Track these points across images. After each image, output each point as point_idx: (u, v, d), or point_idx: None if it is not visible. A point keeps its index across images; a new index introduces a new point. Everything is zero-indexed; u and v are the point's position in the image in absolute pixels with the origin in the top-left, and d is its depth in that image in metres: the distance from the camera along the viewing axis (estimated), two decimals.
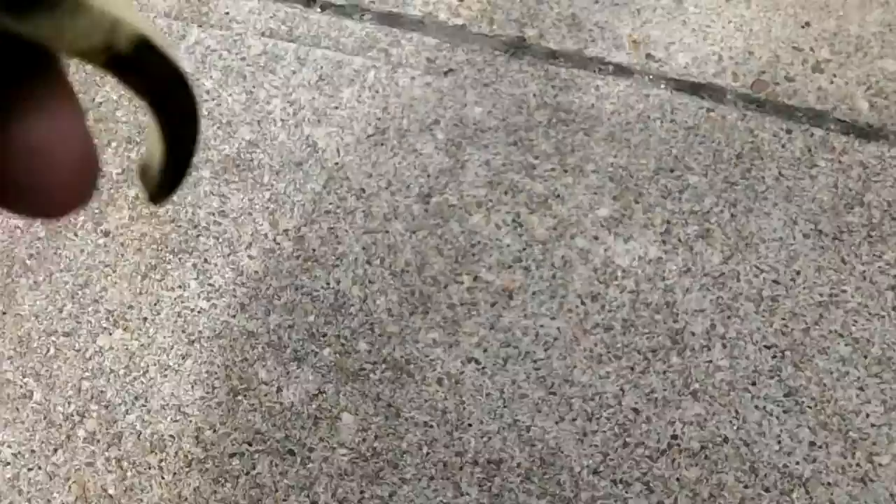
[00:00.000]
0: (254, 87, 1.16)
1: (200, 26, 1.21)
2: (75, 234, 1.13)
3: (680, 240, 0.99)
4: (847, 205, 0.99)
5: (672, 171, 1.02)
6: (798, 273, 0.96)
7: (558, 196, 1.03)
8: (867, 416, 0.90)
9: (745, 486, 0.89)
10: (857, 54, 1.08)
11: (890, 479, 0.88)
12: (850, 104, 1.04)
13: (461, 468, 0.93)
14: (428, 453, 0.94)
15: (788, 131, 1.03)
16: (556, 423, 0.94)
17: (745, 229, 0.99)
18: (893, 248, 0.96)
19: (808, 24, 1.11)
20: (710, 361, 0.94)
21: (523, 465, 0.93)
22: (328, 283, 1.02)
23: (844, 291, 0.95)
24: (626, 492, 0.91)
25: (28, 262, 1.13)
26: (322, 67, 1.15)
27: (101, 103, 1.19)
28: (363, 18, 1.18)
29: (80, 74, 1.21)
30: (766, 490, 0.89)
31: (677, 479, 0.90)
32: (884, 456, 0.89)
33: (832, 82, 1.06)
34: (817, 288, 0.95)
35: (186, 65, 1.18)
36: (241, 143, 1.13)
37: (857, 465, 0.89)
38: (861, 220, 0.98)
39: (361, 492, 0.94)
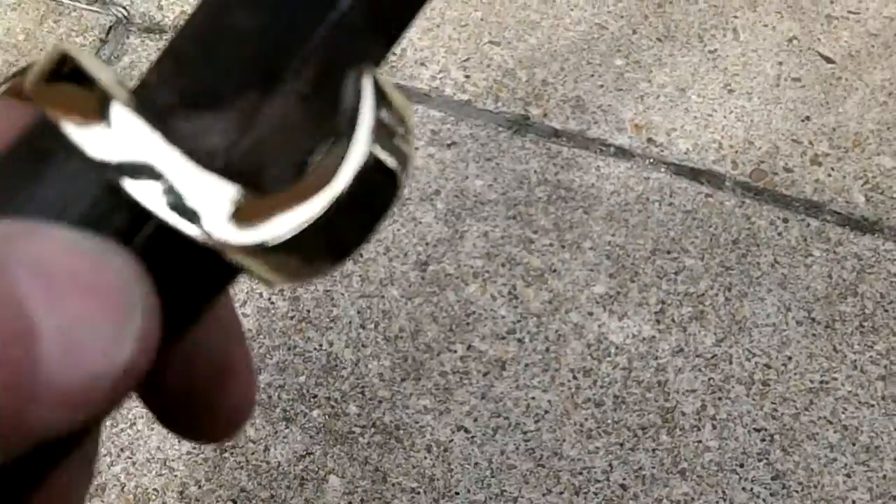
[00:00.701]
0: None
1: None
2: None
3: (674, 320, 1.07)
4: (840, 294, 1.07)
5: (669, 252, 1.11)
6: (790, 359, 1.04)
7: (555, 271, 1.10)
8: (853, 502, 0.97)
9: None
10: (855, 150, 1.17)
11: None
12: (847, 197, 1.13)
13: None
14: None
15: (785, 220, 1.12)
16: (544, 495, 1.00)
17: (738, 313, 1.07)
18: (885, 338, 1.04)
19: (808, 118, 1.20)
20: (700, 441, 1.01)
21: None
22: (321, 345, 1.09)
23: (835, 379, 1.03)
24: None
25: None
26: None
27: None
28: None
29: None
30: None
31: None
32: None
33: (830, 175, 1.15)
34: (808, 374, 1.03)
35: None
36: None
37: None
38: (854, 310, 1.06)
39: None
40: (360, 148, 0.22)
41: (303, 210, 0.21)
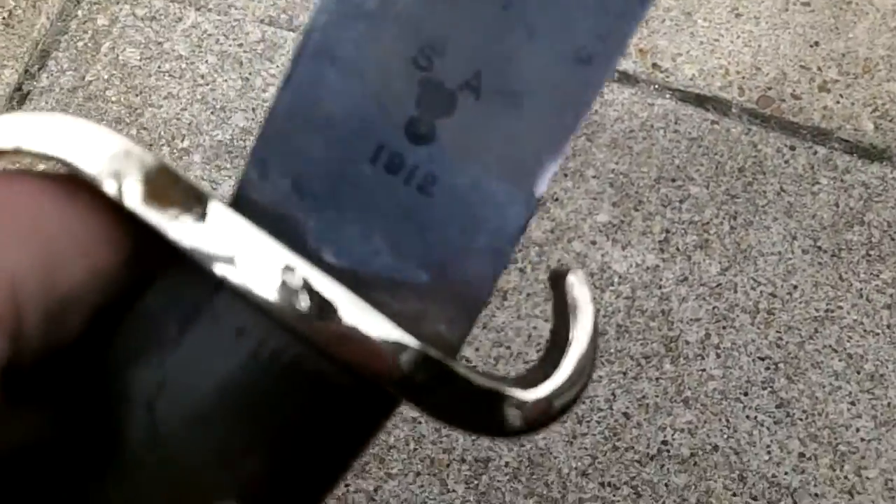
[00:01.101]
0: (250, 74, 1.23)
1: (198, 10, 1.28)
2: None
3: (678, 249, 1.07)
4: (847, 223, 1.07)
5: (673, 180, 1.10)
6: (795, 287, 1.04)
7: (557, 200, 1.10)
8: (857, 430, 0.98)
9: (734, 495, 0.96)
10: (865, 76, 1.16)
11: (877, 492, 0.96)
12: (856, 125, 1.13)
13: (448, 465, 1.00)
14: (415, 449, 1.01)
15: (792, 148, 1.11)
16: None
17: (743, 242, 1.07)
18: (891, 267, 1.04)
19: (816, 43, 1.19)
20: (704, 370, 1.01)
21: (511, 465, 1.00)
22: None
23: (840, 308, 1.03)
24: (614, 495, 0.98)
25: None
26: None
27: (91, 81, 1.25)
28: None
29: (71, 51, 1.27)
30: (754, 499, 0.96)
31: (665, 485, 0.97)
32: (871, 470, 0.96)
33: (838, 102, 1.14)
34: (814, 303, 1.03)
35: (182, 48, 1.25)
36: (235, 130, 1.19)
37: (846, 477, 0.96)
38: (860, 238, 1.06)
39: (346, 485, 1.00)
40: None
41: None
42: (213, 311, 0.24)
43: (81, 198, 0.24)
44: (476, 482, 0.99)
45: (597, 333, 0.27)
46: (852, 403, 0.99)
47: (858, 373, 1.00)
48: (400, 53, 0.26)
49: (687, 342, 1.02)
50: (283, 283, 0.23)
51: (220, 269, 0.23)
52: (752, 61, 1.18)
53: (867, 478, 0.96)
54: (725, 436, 0.98)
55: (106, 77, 1.25)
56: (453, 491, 0.99)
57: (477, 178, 0.27)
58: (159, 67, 1.24)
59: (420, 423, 1.01)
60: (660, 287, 1.05)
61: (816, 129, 1.13)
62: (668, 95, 1.16)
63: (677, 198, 1.09)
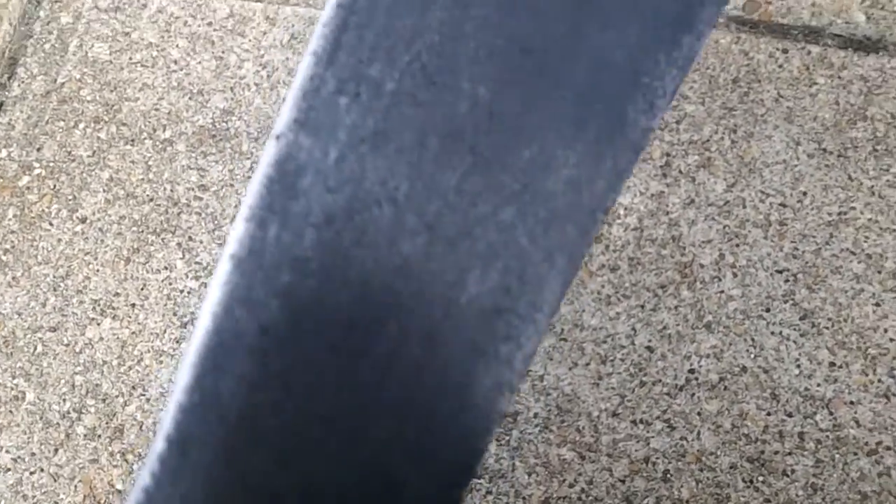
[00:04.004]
0: (223, 52, 1.24)
1: None
2: (50, 224, 1.20)
3: (681, 171, 1.08)
4: (850, 120, 1.07)
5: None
6: (804, 194, 1.05)
7: None
8: (885, 331, 0.99)
9: (768, 414, 0.98)
10: None
11: None
12: (847, 18, 1.13)
13: None
14: None
15: (784, 51, 1.12)
16: (570, 369, 1.02)
17: (746, 155, 1.07)
18: None
19: None
20: (722, 292, 1.03)
21: (540, 416, 1.02)
22: None
23: (853, 208, 1.04)
24: (648, 431, 1.00)
25: (3, 257, 1.20)
26: (293, 25, 1.23)
27: (63, 83, 1.26)
28: None
29: (39, 54, 1.28)
30: (789, 415, 0.98)
31: (698, 414, 0.99)
32: None
33: None
34: (825, 207, 1.04)
35: (151, 35, 1.26)
36: (216, 112, 1.20)
37: (879, 380, 0.98)
38: (865, 134, 1.07)
39: None
40: None
41: None
42: None
43: None
44: (507, 438, 1.01)
45: None
46: (877, 304, 1.00)
47: (879, 272, 1.01)
48: None
49: (701, 265, 1.04)
50: None
51: None
52: None
53: None
54: (752, 355, 1.00)
55: (78, 77, 1.26)
56: (486, 450, 1.01)
57: None
58: (130, 59, 1.25)
59: None
60: (667, 213, 1.06)
61: (807, 27, 1.13)
62: None
63: (673, 119, 1.10)
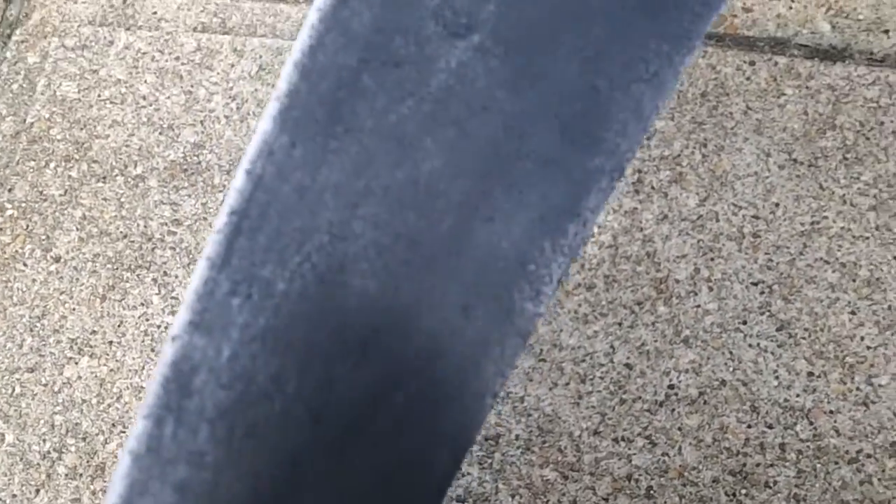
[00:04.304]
0: (192, 86, 1.24)
1: (128, 29, 1.29)
2: (24, 265, 1.20)
3: (653, 187, 1.08)
4: (819, 130, 1.08)
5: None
6: (777, 205, 1.06)
7: None
8: (862, 339, 1.00)
9: (748, 426, 0.98)
10: None
11: (891, 398, 0.98)
12: (812, 27, 1.14)
13: None
14: None
15: (751, 63, 1.13)
16: (550, 389, 1.02)
17: (718, 168, 1.08)
18: (871, 167, 1.06)
19: None
20: (699, 306, 1.03)
21: (522, 437, 1.02)
22: None
23: (826, 217, 1.04)
24: (630, 448, 1.00)
25: None
26: (261, 56, 1.24)
27: (32, 123, 1.26)
28: (298, 1, 1.27)
29: (7, 95, 1.28)
30: (770, 427, 0.98)
31: (679, 429, 1.00)
32: (883, 377, 0.98)
33: (791, 8, 1.15)
34: (798, 217, 1.05)
35: (119, 72, 1.27)
36: (186, 147, 1.21)
37: (858, 388, 0.98)
38: (835, 143, 1.07)
39: None
40: None
41: None
42: None
43: None
44: (489, 461, 1.01)
45: None
46: (853, 313, 1.00)
47: (854, 281, 1.01)
48: None
49: (677, 280, 1.04)
50: None
51: None
52: None
53: (879, 385, 0.98)
54: (731, 368, 1.00)
55: (47, 116, 1.26)
56: (468, 474, 1.01)
57: None
58: (99, 96, 1.25)
59: None
60: (641, 229, 1.07)
61: (773, 39, 1.14)
62: None
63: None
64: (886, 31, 1.11)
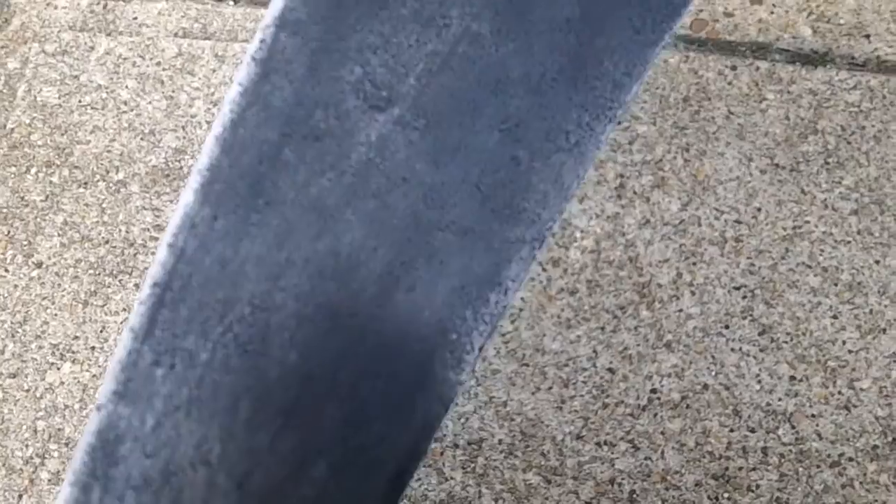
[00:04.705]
0: (173, 91, 1.24)
1: (109, 35, 1.28)
2: (6, 270, 1.19)
3: (635, 192, 1.08)
4: (801, 134, 1.08)
5: (619, 123, 1.12)
6: (759, 210, 1.06)
7: None
8: (843, 343, 1.00)
9: (731, 430, 0.99)
10: None
11: (873, 402, 0.98)
12: (793, 32, 1.14)
13: (442, 453, 1.02)
14: None
15: (733, 68, 1.13)
16: (533, 393, 1.02)
17: (700, 173, 1.08)
18: (852, 171, 1.06)
19: None
20: (681, 310, 1.03)
21: (505, 441, 1.02)
22: None
23: (808, 222, 1.05)
24: (612, 452, 1.00)
25: None
26: (242, 62, 1.23)
27: (13, 129, 1.26)
28: None
29: None
30: (752, 430, 0.98)
31: (661, 433, 1.00)
32: (864, 380, 0.99)
33: (772, 13, 1.16)
34: (780, 222, 1.05)
35: (99, 77, 1.26)
36: (168, 152, 1.20)
37: (839, 392, 0.98)
38: (816, 148, 1.08)
39: None
40: None
41: None
42: None
43: None
44: (473, 465, 1.01)
45: None
46: (834, 317, 1.01)
47: (836, 285, 1.02)
48: None
49: (659, 285, 1.04)
50: None
51: None
52: None
53: (861, 389, 0.98)
54: (713, 373, 1.00)
55: (27, 121, 1.26)
56: (452, 478, 1.01)
57: None
58: (80, 101, 1.25)
59: None
60: (623, 234, 1.07)
61: (755, 44, 1.14)
62: None
63: (626, 140, 1.11)
64: (867, 36, 1.11)
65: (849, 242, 1.03)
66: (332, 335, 0.45)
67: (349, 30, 0.45)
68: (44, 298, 1.17)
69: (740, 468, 0.97)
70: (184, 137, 1.20)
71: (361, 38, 0.46)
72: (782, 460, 0.97)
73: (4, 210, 1.22)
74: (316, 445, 0.45)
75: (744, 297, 1.02)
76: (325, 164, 0.46)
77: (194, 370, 0.44)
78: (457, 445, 1.02)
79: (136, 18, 1.29)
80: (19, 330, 1.17)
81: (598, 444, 1.00)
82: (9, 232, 1.21)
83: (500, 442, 1.01)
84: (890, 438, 0.96)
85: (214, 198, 0.45)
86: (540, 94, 0.48)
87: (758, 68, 1.12)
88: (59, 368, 1.14)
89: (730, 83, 1.12)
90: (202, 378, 0.44)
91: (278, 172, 0.45)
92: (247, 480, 0.44)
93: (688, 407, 1.00)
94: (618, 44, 0.49)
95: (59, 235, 1.19)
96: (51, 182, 1.22)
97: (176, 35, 1.27)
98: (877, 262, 1.02)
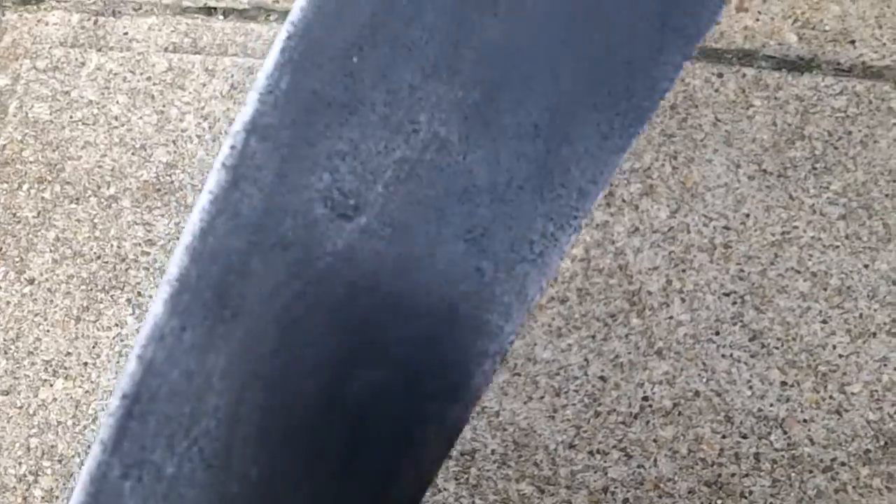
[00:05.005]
0: (164, 106, 1.23)
1: (99, 50, 1.28)
2: None
3: (624, 200, 1.08)
4: (788, 140, 1.08)
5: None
6: (747, 216, 1.05)
7: None
8: (834, 347, 0.99)
9: (723, 437, 0.98)
10: None
11: (864, 406, 0.97)
12: (779, 39, 1.13)
13: None
14: None
15: (720, 75, 1.12)
16: (525, 403, 1.02)
17: (688, 180, 1.07)
18: (839, 176, 1.05)
19: None
20: (671, 318, 1.02)
21: (497, 451, 1.01)
22: None
23: (796, 227, 1.04)
24: (605, 461, 0.99)
25: None
26: (233, 76, 1.23)
27: (4, 145, 1.25)
28: (269, 20, 1.26)
29: None
30: (744, 437, 0.97)
31: (654, 440, 0.99)
32: (855, 385, 0.98)
33: (758, 20, 1.15)
34: (768, 228, 1.04)
35: (90, 93, 1.25)
36: (159, 166, 1.19)
37: (831, 397, 0.98)
38: (804, 153, 1.07)
39: None
40: None
41: None
42: None
43: None
44: (466, 476, 1.00)
45: None
46: (824, 322, 1.00)
47: (825, 290, 1.01)
48: None
49: (649, 293, 1.03)
50: None
51: None
52: None
53: (852, 393, 0.97)
54: (705, 379, 0.99)
55: (19, 138, 1.25)
56: (445, 489, 1.00)
57: None
58: (71, 117, 1.24)
59: None
60: (613, 242, 1.06)
61: (741, 51, 1.13)
62: None
63: None
64: (852, 42, 1.11)
65: (837, 247, 1.02)
66: (291, 448, 0.46)
67: (319, 136, 0.45)
68: (36, 315, 1.16)
69: (733, 474, 0.96)
70: (174, 152, 1.19)
71: (331, 145, 0.46)
72: (775, 466, 0.96)
73: None
74: None
75: (734, 304, 1.01)
76: (291, 273, 0.45)
77: (161, 483, 0.44)
78: (449, 456, 1.00)
79: (126, 34, 1.28)
80: (12, 347, 1.16)
81: (590, 452, 0.99)
82: (1, 248, 1.20)
83: (492, 452, 1.00)
84: (882, 442, 0.95)
85: (182, 308, 0.45)
86: (506, 202, 0.48)
87: (744, 75, 1.11)
88: (51, 385, 1.13)
89: (717, 90, 1.11)
90: (168, 491, 0.45)
91: (245, 283, 0.45)
92: None
93: (680, 414, 0.99)
94: (585, 150, 0.48)
95: (51, 251, 1.19)
96: (43, 198, 1.21)
97: (166, 50, 1.26)
98: (865, 266, 1.01)
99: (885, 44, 1.10)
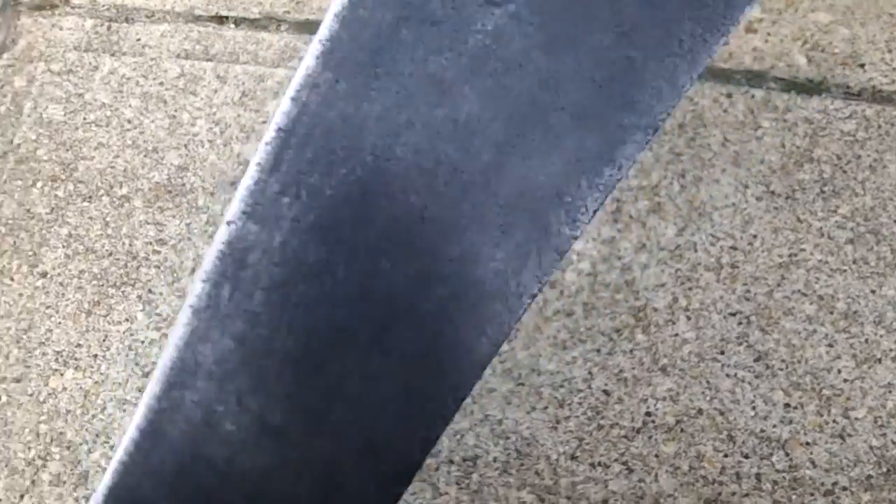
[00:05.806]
0: (176, 110, 1.19)
1: (113, 55, 1.24)
2: (11, 279, 1.15)
3: (632, 216, 1.04)
4: (796, 162, 1.04)
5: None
6: (755, 237, 1.01)
7: None
8: (839, 371, 0.95)
9: (725, 455, 0.94)
10: (789, 10, 1.13)
11: (867, 432, 0.93)
12: (788, 61, 1.10)
13: (437, 469, 0.98)
14: None
15: (729, 95, 1.09)
16: (528, 413, 0.98)
17: (696, 199, 1.04)
18: (847, 200, 1.02)
19: None
20: (677, 335, 0.99)
21: (499, 459, 0.97)
22: None
23: (803, 250, 1.00)
24: (606, 474, 0.95)
25: None
26: (244, 83, 1.19)
27: (19, 144, 1.21)
28: (280, 29, 1.22)
29: None
30: (746, 456, 0.94)
31: (656, 456, 0.95)
32: (859, 410, 0.94)
33: (767, 41, 1.11)
34: (776, 249, 1.01)
35: (104, 96, 1.22)
36: (171, 169, 1.16)
37: (834, 421, 0.94)
38: (812, 176, 1.03)
39: None
40: None
41: None
42: None
43: None
44: (467, 481, 0.97)
45: None
46: (830, 345, 0.96)
47: (831, 313, 0.97)
48: None
49: (655, 309, 1.00)
50: None
51: None
52: None
53: (856, 418, 0.94)
54: (708, 397, 0.96)
55: (34, 137, 1.22)
56: (446, 493, 0.97)
57: None
58: (85, 119, 1.21)
59: None
60: (619, 258, 1.02)
61: (750, 72, 1.10)
62: None
63: None
64: (862, 65, 1.07)
65: (844, 271, 0.99)
66: (451, 187, 0.47)
67: None
68: (48, 307, 1.13)
69: (733, 493, 0.93)
70: (186, 155, 1.16)
71: None
72: (776, 487, 0.92)
73: (11, 222, 1.18)
74: (435, 274, 0.49)
75: (739, 324, 0.98)
76: (443, 45, 0.47)
77: (319, 201, 0.47)
78: (451, 462, 0.97)
79: (139, 40, 1.25)
80: (24, 337, 1.13)
81: (592, 464, 0.95)
82: (15, 243, 1.17)
83: (494, 459, 0.97)
84: (885, 469, 0.92)
85: (335, 64, 0.48)
86: (653, 5, 0.49)
87: (753, 96, 1.08)
88: (62, 374, 1.10)
89: (725, 110, 1.07)
90: (326, 209, 0.47)
91: (396, 48, 0.48)
92: (371, 294, 0.48)
93: (682, 431, 0.95)
94: None
95: (63, 247, 1.16)
96: (56, 196, 1.18)
97: (178, 56, 1.22)
98: (872, 291, 0.97)
99: (894, 68, 1.07)
